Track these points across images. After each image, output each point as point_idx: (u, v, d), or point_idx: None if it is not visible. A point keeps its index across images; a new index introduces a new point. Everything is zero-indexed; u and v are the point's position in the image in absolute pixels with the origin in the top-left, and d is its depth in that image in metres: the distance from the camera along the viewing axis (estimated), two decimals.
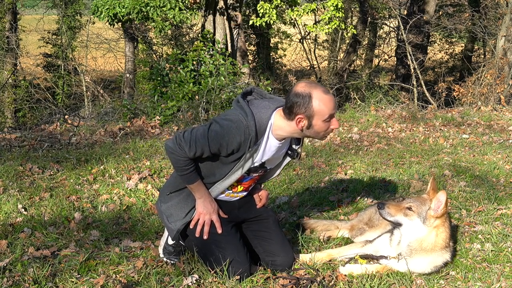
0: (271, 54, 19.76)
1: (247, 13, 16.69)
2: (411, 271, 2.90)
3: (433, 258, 2.90)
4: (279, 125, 2.68)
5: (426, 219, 2.87)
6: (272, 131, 2.70)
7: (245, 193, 3.01)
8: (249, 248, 3.01)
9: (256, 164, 2.79)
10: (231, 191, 2.93)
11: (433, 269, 2.94)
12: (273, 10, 10.34)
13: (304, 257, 3.08)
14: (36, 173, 4.61)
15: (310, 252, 3.19)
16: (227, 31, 11.05)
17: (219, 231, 2.84)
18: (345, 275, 2.90)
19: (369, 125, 7.28)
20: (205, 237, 2.84)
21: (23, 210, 3.76)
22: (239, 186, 2.92)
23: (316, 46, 19.54)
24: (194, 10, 10.03)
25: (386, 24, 17.94)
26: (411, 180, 4.66)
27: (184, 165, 2.69)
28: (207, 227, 2.84)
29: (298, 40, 18.33)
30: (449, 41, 20.85)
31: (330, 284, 2.81)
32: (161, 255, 3.06)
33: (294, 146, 2.90)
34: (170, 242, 3.01)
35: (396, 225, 2.95)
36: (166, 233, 3.05)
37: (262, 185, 3.19)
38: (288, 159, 2.94)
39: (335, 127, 2.69)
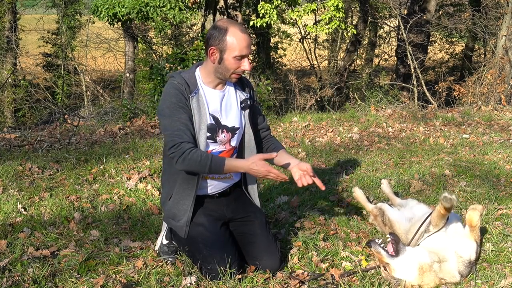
0: (271, 54, 19.72)
1: (247, 13, 16.66)
2: None
3: None
4: (203, 71, 2.80)
5: None
6: (202, 81, 2.80)
7: (227, 177, 2.95)
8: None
9: (211, 121, 2.77)
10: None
11: None
12: (273, 11, 10.31)
13: None
14: (36, 173, 4.61)
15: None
16: None
17: (284, 176, 2.69)
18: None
19: (369, 124, 7.27)
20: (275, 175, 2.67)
21: (22, 210, 3.76)
22: None
23: (316, 46, 19.50)
24: (194, 10, 10.02)
25: (386, 24, 17.91)
26: (411, 180, 4.65)
27: (197, 158, 2.62)
28: (278, 177, 2.68)
29: (298, 40, 18.30)
30: (449, 40, 20.84)
31: (330, 284, 2.81)
32: (159, 255, 3.07)
33: (242, 95, 2.89)
34: (164, 242, 3.03)
35: None
36: (162, 232, 3.08)
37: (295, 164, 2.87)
38: (246, 113, 2.92)
39: (245, 68, 2.72)
